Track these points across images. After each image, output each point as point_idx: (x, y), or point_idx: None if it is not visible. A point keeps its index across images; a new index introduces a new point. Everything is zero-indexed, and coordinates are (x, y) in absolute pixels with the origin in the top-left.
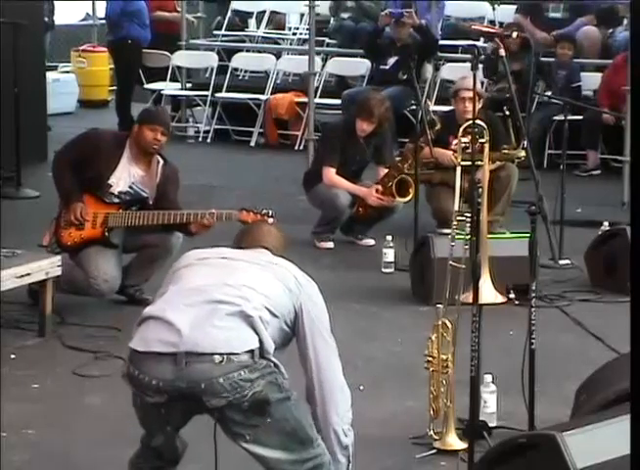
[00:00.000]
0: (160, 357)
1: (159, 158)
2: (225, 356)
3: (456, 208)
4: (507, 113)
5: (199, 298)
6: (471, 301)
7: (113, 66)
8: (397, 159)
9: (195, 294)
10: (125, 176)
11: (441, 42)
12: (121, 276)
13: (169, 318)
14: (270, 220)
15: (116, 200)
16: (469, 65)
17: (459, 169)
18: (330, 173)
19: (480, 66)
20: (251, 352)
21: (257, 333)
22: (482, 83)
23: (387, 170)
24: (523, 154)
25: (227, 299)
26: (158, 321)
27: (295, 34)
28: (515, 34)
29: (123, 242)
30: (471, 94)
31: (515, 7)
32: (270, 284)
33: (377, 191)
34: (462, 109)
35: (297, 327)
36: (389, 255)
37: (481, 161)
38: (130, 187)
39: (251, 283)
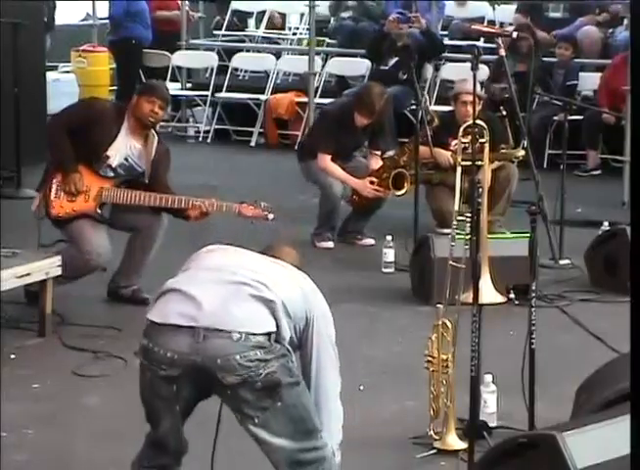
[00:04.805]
0: (177, 330)
1: (154, 133)
2: (243, 335)
3: (456, 208)
4: (504, 113)
5: (223, 276)
6: (471, 301)
7: (113, 66)
8: (394, 153)
9: (219, 272)
10: (123, 149)
11: None
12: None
13: (191, 292)
14: (270, 216)
15: (111, 173)
16: (469, 65)
17: (459, 169)
18: (325, 160)
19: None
20: (269, 334)
21: (275, 318)
22: (482, 84)
23: (380, 162)
24: (521, 153)
25: (250, 282)
26: (178, 294)
27: (295, 34)
28: (515, 34)
29: (111, 217)
30: (471, 98)
31: (515, 7)
32: (289, 284)
33: (371, 183)
34: (463, 112)
35: (304, 337)
36: (389, 255)
37: (482, 161)
38: (126, 159)
39: (271, 275)
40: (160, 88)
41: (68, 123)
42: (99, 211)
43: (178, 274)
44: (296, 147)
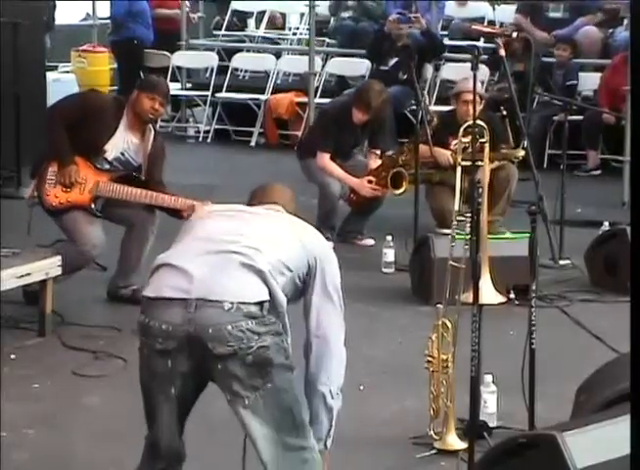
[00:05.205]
0: (170, 303)
1: (151, 128)
2: (235, 304)
3: (456, 208)
4: (505, 113)
5: (213, 247)
6: (471, 301)
7: (113, 66)
8: (393, 152)
9: (209, 243)
10: (120, 143)
11: None
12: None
13: (182, 265)
14: None
15: (107, 166)
16: (469, 65)
17: (459, 169)
18: (324, 159)
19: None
20: (261, 304)
21: (268, 287)
22: (483, 83)
23: (379, 161)
24: (521, 153)
25: (241, 250)
26: (170, 268)
27: (295, 34)
28: (515, 34)
29: (104, 210)
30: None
31: (515, 7)
32: (286, 237)
33: (369, 182)
34: (464, 111)
35: (307, 281)
36: (389, 255)
37: (482, 161)
38: (122, 153)
39: (266, 235)
40: (161, 85)
41: (66, 115)
42: (93, 205)
43: (171, 248)
44: (296, 147)
